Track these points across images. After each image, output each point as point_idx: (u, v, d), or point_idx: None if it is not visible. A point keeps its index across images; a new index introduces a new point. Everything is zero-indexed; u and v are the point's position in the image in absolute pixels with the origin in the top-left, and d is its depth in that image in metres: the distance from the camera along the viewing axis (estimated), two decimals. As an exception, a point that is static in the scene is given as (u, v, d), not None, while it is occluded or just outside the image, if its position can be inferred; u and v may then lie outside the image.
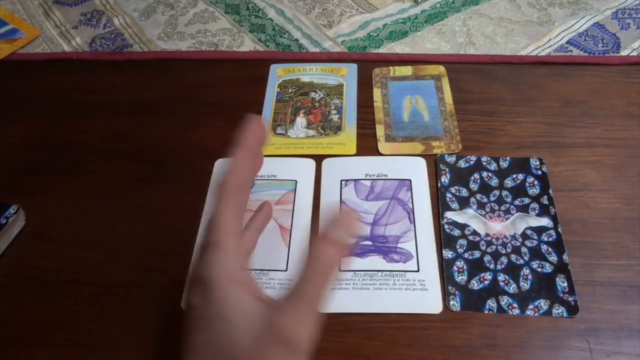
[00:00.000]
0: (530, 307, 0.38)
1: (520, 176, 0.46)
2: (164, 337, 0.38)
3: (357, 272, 0.41)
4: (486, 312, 0.38)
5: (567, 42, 0.57)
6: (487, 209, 0.44)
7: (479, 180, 0.46)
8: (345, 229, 0.28)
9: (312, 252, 0.28)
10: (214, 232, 0.28)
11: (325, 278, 0.27)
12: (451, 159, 0.47)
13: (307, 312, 0.26)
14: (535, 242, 0.42)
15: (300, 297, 0.27)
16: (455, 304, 0.39)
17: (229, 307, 0.27)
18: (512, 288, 0.39)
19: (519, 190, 0.45)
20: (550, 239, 0.42)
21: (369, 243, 0.42)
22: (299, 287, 0.27)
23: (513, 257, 0.41)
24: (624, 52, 0.56)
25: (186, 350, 0.28)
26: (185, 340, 0.28)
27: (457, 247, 0.42)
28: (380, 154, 0.49)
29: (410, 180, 0.46)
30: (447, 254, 0.41)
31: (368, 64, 0.56)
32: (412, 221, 0.43)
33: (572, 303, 0.38)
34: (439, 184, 0.46)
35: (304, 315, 0.26)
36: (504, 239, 0.42)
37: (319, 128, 0.51)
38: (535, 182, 0.45)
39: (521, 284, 0.39)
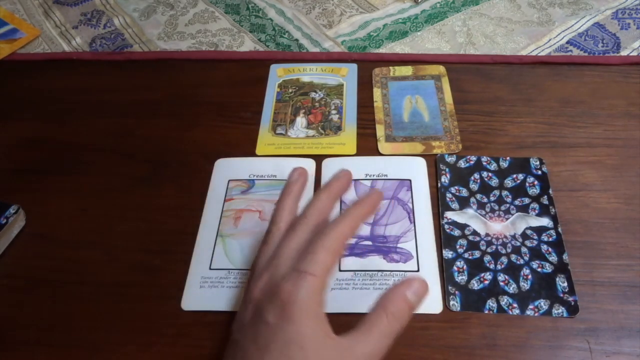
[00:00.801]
0: (530, 307, 0.38)
1: (520, 176, 0.46)
2: (164, 336, 0.38)
3: (357, 272, 0.41)
4: (486, 312, 0.38)
5: (567, 42, 0.57)
6: (487, 209, 0.44)
7: (479, 180, 0.46)
8: (417, 294, 0.31)
9: (383, 303, 0.31)
10: (314, 263, 0.31)
11: (388, 332, 0.30)
12: (451, 159, 0.47)
13: (376, 342, 0.30)
14: (535, 242, 0.42)
15: (368, 330, 0.30)
16: (455, 304, 0.39)
17: (307, 338, 0.29)
18: (512, 288, 0.39)
19: (519, 190, 0.45)
20: (550, 239, 0.42)
21: (369, 243, 0.42)
22: (366, 327, 0.30)
23: (513, 257, 0.41)
24: (624, 52, 0.56)
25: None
26: (241, 349, 0.30)
27: (457, 247, 0.42)
28: (380, 154, 0.49)
29: (410, 180, 0.46)
30: (447, 254, 0.41)
31: (368, 64, 0.56)
32: (412, 221, 0.43)
33: (572, 303, 0.38)
34: (439, 184, 0.46)
35: (374, 344, 0.30)
36: (504, 239, 0.42)
37: (319, 128, 0.51)
38: (535, 182, 0.45)
39: (521, 284, 0.39)
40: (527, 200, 0.44)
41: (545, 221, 0.43)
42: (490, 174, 0.46)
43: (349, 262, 0.41)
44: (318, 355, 0.28)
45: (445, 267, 0.41)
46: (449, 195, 0.45)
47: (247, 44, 0.60)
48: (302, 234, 0.34)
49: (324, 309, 0.31)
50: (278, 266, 0.32)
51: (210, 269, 0.41)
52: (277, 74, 0.56)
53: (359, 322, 0.31)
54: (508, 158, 0.47)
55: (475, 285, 0.40)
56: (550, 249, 0.41)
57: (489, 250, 0.42)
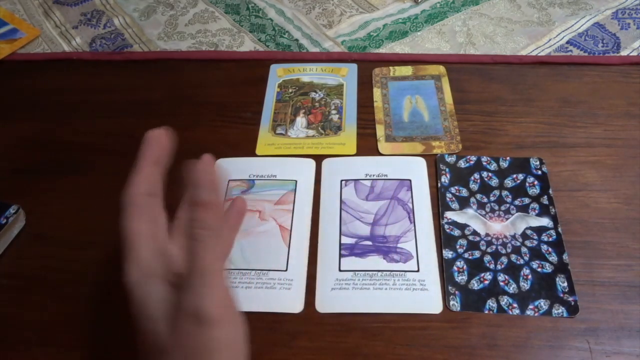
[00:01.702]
0: (530, 307, 0.38)
1: (520, 176, 0.46)
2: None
3: (357, 272, 0.41)
4: (486, 312, 0.38)
5: (567, 42, 0.57)
6: (487, 209, 0.44)
7: (479, 180, 0.46)
8: (209, 187, 0.28)
9: (191, 224, 0.28)
10: (123, 242, 0.29)
11: (214, 245, 0.28)
12: (451, 159, 0.47)
13: (205, 283, 0.27)
14: (535, 242, 0.42)
15: (195, 272, 0.27)
16: (455, 304, 0.39)
17: (145, 304, 0.28)
18: (512, 288, 0.39)
19: (519, 190, 0.45)
20: (550, 239, 0.42)
21: (369, 243, 0.42)
22: (191, 263, 0.27)
23: (513, 257, 0.41)
24: (624, 52, 0.56)
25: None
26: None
27: (457, 247, 0.42)
28: (380, 154, 0.49)
29: (410, 180, 0.46)
30: (447, 254, 0.41)
31: (368, 64, 0.56)
32: (412, 221, 0.43)
33: (572, 303, 0.38)
34: (439, 184, 0.46)
35: (203, 288, 0.27)
36: (504, 239, 0.42)
37: (319, 128, 0.51)
38: (535, 182, 0.45)
39: (521, 284, 0.39)
40: (527, 200, 0.44)
41: (545, 221, 0.43)
42: (490, 174, 0.46)
43: (349, 262, 0.41)
44: (159, 312, 0.28)
45: (445, 267, 0.41)
46: (449, 195, 0.45)
47: (247, 44, 0.60)
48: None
49: (161, 264, 0.29)
50: None
51: (210, 269, 0.41)
52: (277, 74, 0.56)
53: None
54: (508, 158, 0.47)
55: (475, 285, 0.40)
56: (550, 249, 0.41)
57: (489, 250, 0.42)
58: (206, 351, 0.26)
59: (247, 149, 0.49)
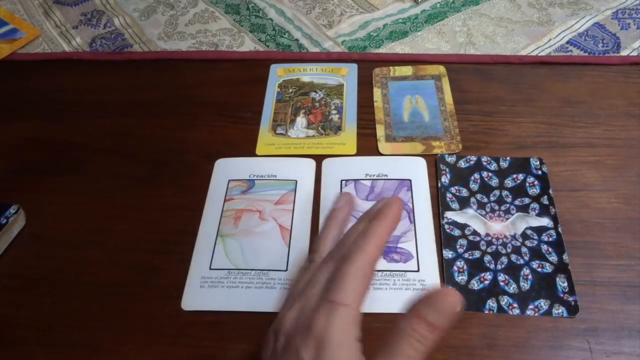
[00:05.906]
0: (530, 307, 0.38)
1: (520, 176, 0.46)
2: (163, 337, 0.38)
3: (357, 272, 0.41)
4: (486, 312, 0.38)
5: (567, 42, 0.57)
6: (487, 209, 0.44)
7: (479, 180, 0.46)
8: (442, 312, 0.28)
9: (402, 325, 0.28)
10: (344, 292, 0.29)
11: (414, 354, 0.28)
12: (451, 159, 0.47)
13: None
14: (536, 242, 0.42)
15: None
16: (455, 304, 0.39)
17: None
18: (512, 288, 0.39)
19: (519, 190, 0.45)
20: (550, 239, 0.42)
21: (369, 243, 0.42)
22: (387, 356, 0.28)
23: (513, 257, 0.41)
24: (624, 52, 0.56)
25: None
26: None
27: (457, 247, 0.42)
28: (381, 154, 0.49)
29: (410, 180, 0.46)
30: (447, 254, 0.41)
31: (368, 64, 0.56)
32: (412, 221, 0.43)
33: (572, 303, 0.38)
34: (439, 184, 0.46)
35: None
36: (504, 239, 0.42)
37: (319, 128, 0.51)
38: (535, 182, 0.45)
39: (521, 284, 0.39)
40: (527, 200, 0.44)
41: (545, 221, 0.43)
42: (490, 174, 0.46)
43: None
44: None
45: (445, 267, 0.41)
46: (449, 195, 0.45)
47: (247, 44, 0.60)
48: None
49: (358, 340, 0.29)
50: (310, 296, 0.31)
51: (210, 268, 0.41)
52: (277, 74, 0.56)
53: (381, 345, 0.29)
54: (508, 158, 0.47)
55: (475, 285, 0.40)
56: (550, 249, 0.41)
57: (489, 250, 0.41)
58: None
59: (247, 149, 0.49)
